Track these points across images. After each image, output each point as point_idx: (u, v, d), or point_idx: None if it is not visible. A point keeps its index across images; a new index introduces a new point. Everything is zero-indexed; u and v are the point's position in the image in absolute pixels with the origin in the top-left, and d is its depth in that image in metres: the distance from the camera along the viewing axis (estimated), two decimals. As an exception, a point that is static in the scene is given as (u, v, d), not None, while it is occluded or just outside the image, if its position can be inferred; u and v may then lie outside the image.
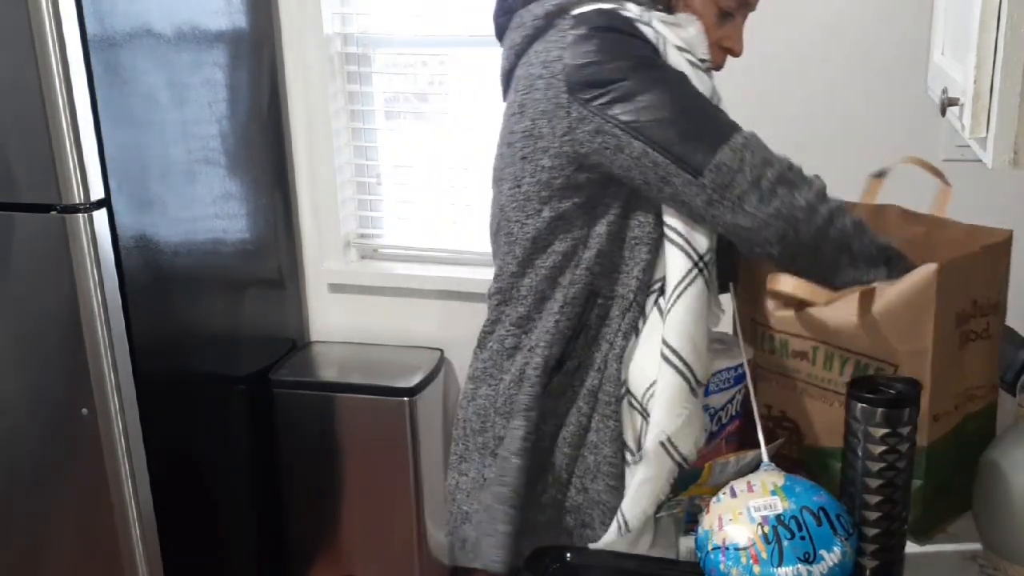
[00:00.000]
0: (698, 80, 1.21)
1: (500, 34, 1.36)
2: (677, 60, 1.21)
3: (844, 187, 1.41)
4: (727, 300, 1.37)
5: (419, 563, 2.53)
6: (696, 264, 1.22)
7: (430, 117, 2.63)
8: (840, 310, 1.18)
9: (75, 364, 1.93)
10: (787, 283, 1.19)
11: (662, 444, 1.20)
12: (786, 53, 2.14)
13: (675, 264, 1.23)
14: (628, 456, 1.26)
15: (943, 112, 1.22)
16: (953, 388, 1.20)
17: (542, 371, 1.29)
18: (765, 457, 1.16)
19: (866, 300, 1.16)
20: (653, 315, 1.26)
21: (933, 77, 1.49)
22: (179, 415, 2.18)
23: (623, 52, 1.19)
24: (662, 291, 1.26)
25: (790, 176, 1.18)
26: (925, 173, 1.36)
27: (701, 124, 1.18)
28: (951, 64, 1.34)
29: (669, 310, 1.22)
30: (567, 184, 1.24)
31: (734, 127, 1.19)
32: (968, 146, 1.19)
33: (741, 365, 1.29)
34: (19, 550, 2.13)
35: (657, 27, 1.22)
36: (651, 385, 1.23)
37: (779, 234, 1.17)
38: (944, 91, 1.23)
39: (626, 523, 1.22)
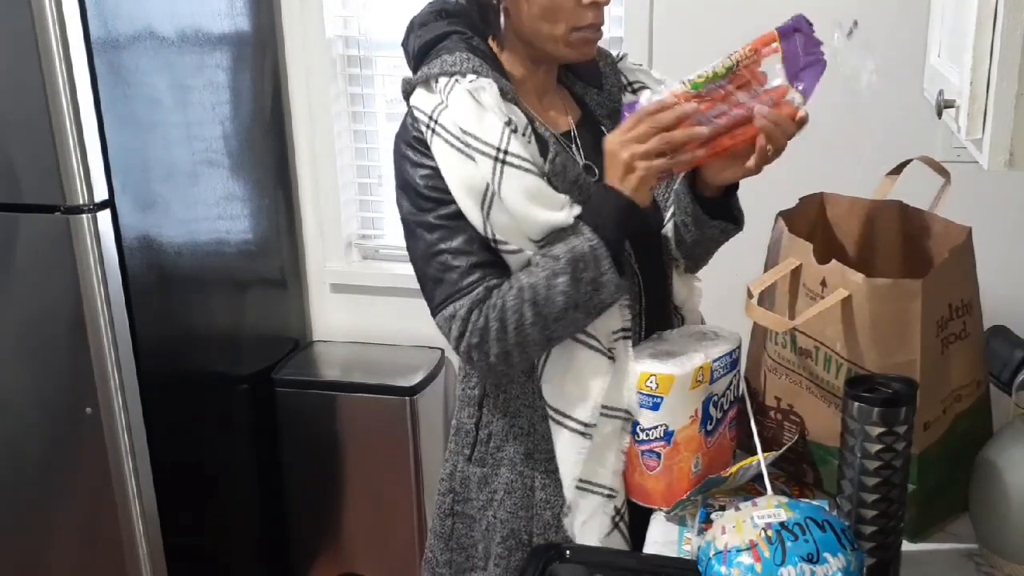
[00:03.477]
0: (461, 173, 1.22)
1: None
2: (440, 152, 1.23)
3: (843, 187, 1.43)
4: (732, 293, 1.38)
5: (420, 562, 2.54)
6: None
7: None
8: (831, 316, 1.20)
9: (79, 364, 1.94)
10: (755, 312, 1.25)
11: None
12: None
13: None
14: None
15: (939, 114, 1.23)
16: (940, 394, 1.21)
17: (454, 431, 1.43)
18: (763, 464, 1.17)
19: (847, 310, 1.18)
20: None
21: (929, 79, 1.49)
22: (182, 414, 2.19)
23: (399, 176, 1.29)
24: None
25: (474, 341, 1.24)
26: (926, 170, 1.37)
27: (429, 284, 1.28)
28: (947, 66, 1.35)
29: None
30: None
31: (446, 299, 1.24)
32: (964, 147, 1.20)
33: (736, 350, 1.31)
34: (24, 548, 2.14)
35: (441, 119, 1.23)
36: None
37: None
38: (940, 93, 1.24)
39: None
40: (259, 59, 2.43)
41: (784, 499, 1.11)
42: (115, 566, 2.08)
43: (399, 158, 1.28)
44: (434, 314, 1.27)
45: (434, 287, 1.26)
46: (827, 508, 1.12)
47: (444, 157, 1.23)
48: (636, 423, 1.28)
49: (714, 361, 1.28)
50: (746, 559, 1.03)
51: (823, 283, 1.22)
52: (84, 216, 1.86)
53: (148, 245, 2.03)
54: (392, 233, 2.68)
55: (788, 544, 1.02)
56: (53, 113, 1.80)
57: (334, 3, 2.49)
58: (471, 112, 1.22)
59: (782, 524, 1.04)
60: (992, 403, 1.31)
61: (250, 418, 2.46)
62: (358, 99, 2.60)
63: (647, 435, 1.27)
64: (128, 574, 2.08)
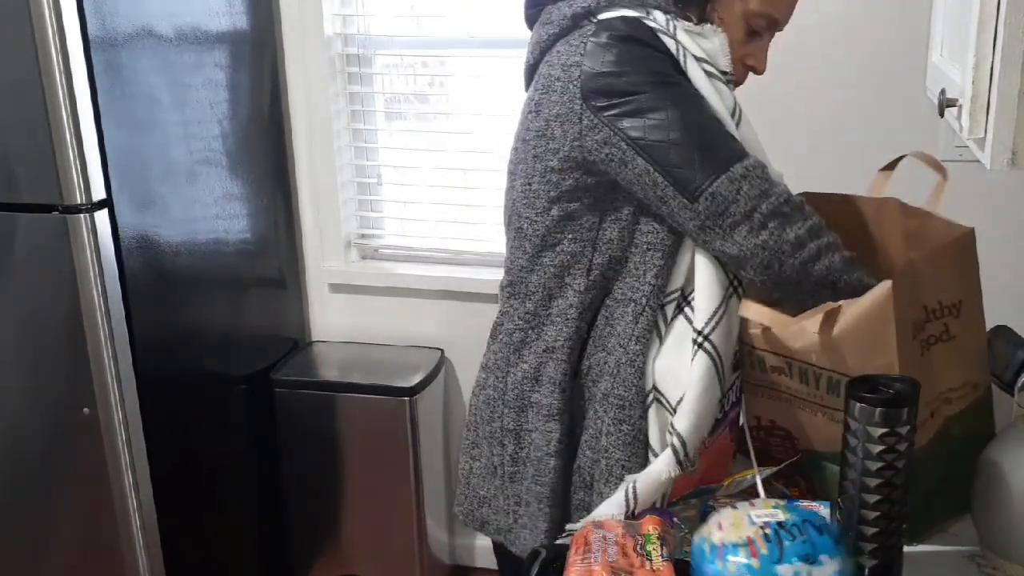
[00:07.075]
0: (716, 93, 1.21)
1: (530, 25, 1.37)
2: (696, 73, 1.21)
3: (843, 187, 1.42)
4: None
5: (420, 562, 2.54)
6: (732, 283, 1.24)
7: (430, 118, 2.63)
8: (804, 331, 1.17)
9: (77, 364, 1.93)
10: (750, 310, 1.21)
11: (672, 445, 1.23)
12: (785, 54, 2.14)
13: (709, 278, 1.24)
14: (651, 458, 1.27)
15: (941, 113, 1.23)
16: (924, 396, 1.19)
17: (571, 376, 1.31)
18: (758, 480, 1.17)
19: (828, 322, 1.16)
20: (679, 323, 1.27)
21: (932, 78, 1.49)
22: (180, 415, 2.19)
23: (640, 66, 1.20)
24: (686, 300, 1.26)
25: (784, 210, 1.19)
26: (925, 169, 1.36)
27: (704, 150, 1.19)
28: (949, 65, 1.34)
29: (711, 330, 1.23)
30: (576, 186, 1.26)
31: (738, 156, 1.19)
32: (966, 147, 1.19)
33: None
34: (21, 549, 2.14)
35: (680, 38, 1.21)
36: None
37: (763, 264, 1.19)
38: (942, 92, 1.23)
39: (635, 495, 1.22)
40: (258, 58, 2.43)
41: (782, 502, 1.10)
42: (113, 567, 2.08)
43: (620, 48, 1.20)
44: (709, 187, 1.18)
45: (704, 155, 1.18)
46: (824, 513, 1.11)
47: (693, 72, 1.22)
48: None
49: None
50: (742, 556, 1.02)
51: None
52: (82, 216, 1.86)
53: (146, 245, 2.03)
54: (391, 233, 2.68)
55: (786, 543, 1.02)
56: (51, 112, 1.80)
57: (333, 1, 2.48)
58: (700, 48, 1.22)
59: (780, 524, 1.04)
60: (994, 404, 1.31)
61: (249, 419, 2.46)
62: (357, 98, 2.59)
63: (647, 435, 1.26)
64: (126, 575, 2.08)
